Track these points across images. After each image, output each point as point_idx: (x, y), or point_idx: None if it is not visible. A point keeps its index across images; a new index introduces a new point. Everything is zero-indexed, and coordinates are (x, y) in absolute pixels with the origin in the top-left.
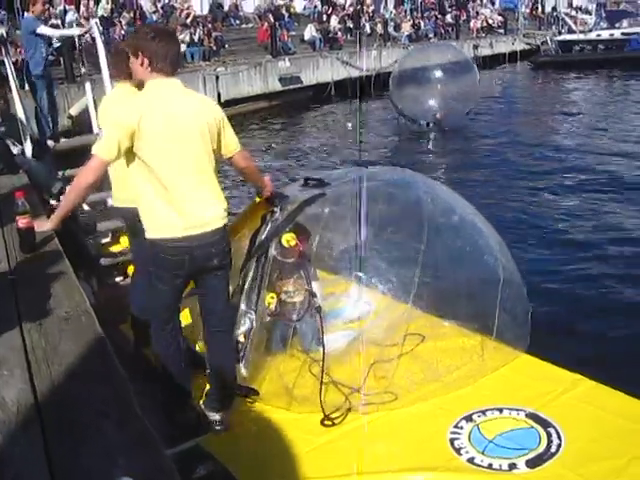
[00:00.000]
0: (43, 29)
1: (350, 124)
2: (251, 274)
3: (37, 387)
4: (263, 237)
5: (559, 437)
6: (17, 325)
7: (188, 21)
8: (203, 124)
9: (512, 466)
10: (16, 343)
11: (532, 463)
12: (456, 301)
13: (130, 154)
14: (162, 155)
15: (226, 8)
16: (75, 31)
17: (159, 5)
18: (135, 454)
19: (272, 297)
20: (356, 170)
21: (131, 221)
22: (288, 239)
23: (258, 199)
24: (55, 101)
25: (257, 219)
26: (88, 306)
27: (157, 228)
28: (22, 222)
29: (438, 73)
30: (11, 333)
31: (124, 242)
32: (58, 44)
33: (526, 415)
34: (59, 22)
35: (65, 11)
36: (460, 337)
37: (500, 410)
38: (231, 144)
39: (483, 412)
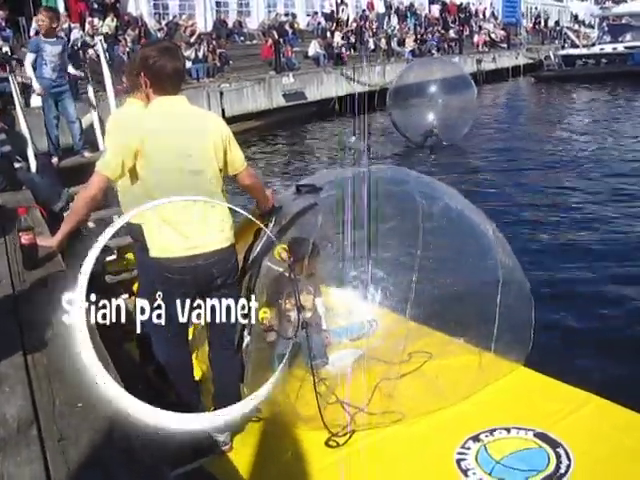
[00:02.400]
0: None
1: (353, 138)
2: (244, 291)
3: (37, 404)
4: (256, 253)
5: (568, 457)
6: (19, 342)
7: (192, 39)
8: (209, 144)
9: None
10: (17, 360)
11: None
12: (453, 306)
13: (134, 172)
14: (166, 175)
15: (230, 25)
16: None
17: (163, 22)
18: (135, 471)
19: (265, 312)
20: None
21: (138, 237)
22: (279, 251)
23: (255, 211)
24: (66, 117)
25: (250, 235)
26: (91, 322)
27: (159, 248)
28: (25, 238)
29: (434, 89)
30: (12, 350)
31: (130, 259)
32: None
33: (534, 435)
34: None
35: (70, 29)
36: (467, 354)
37: (508, 430)
38: (236, 162)
39: (490, 432)
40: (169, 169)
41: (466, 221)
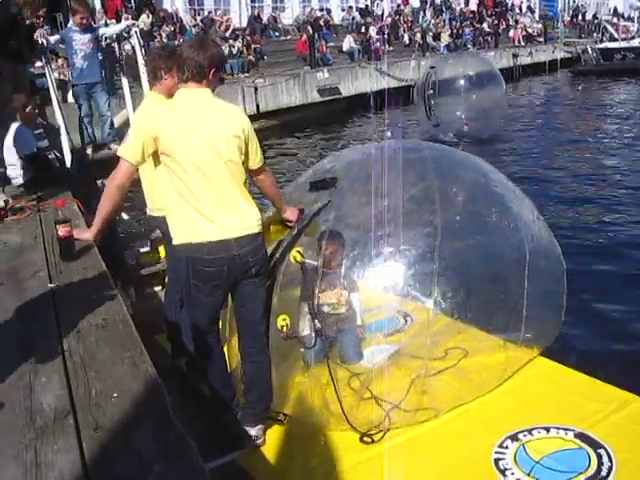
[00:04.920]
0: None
1: (389, 133)
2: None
3: (74, 393)
4: (276, 258)
5: (610, 459)
6: (55, 332)
7: (227, 34)
8: (229, 134)
9: None
10: (54, 350)
11: None
12: (479, 288)
13: (158, 160)
14: (187, 164)
15: (265, 20)
16: (121, 26)
17: (199, 18)
18: (170, 461)
19: (284, 319)
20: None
21: (167, 230)
22: (294, 255)
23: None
24: (100, 111)
25: (272, 242)
26: (126, 313)
27: (186, 234)
28: (62, 231)
29: (463, 84)
30: (49, 340)
31: (162, 251)
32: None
33: (575, 435)
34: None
35: (107, 24)
36: (501, 351)
37: (547, 429)
38: (257, 156)
39: (529, 431)
40: (189, 159)
41: (486, 192)
